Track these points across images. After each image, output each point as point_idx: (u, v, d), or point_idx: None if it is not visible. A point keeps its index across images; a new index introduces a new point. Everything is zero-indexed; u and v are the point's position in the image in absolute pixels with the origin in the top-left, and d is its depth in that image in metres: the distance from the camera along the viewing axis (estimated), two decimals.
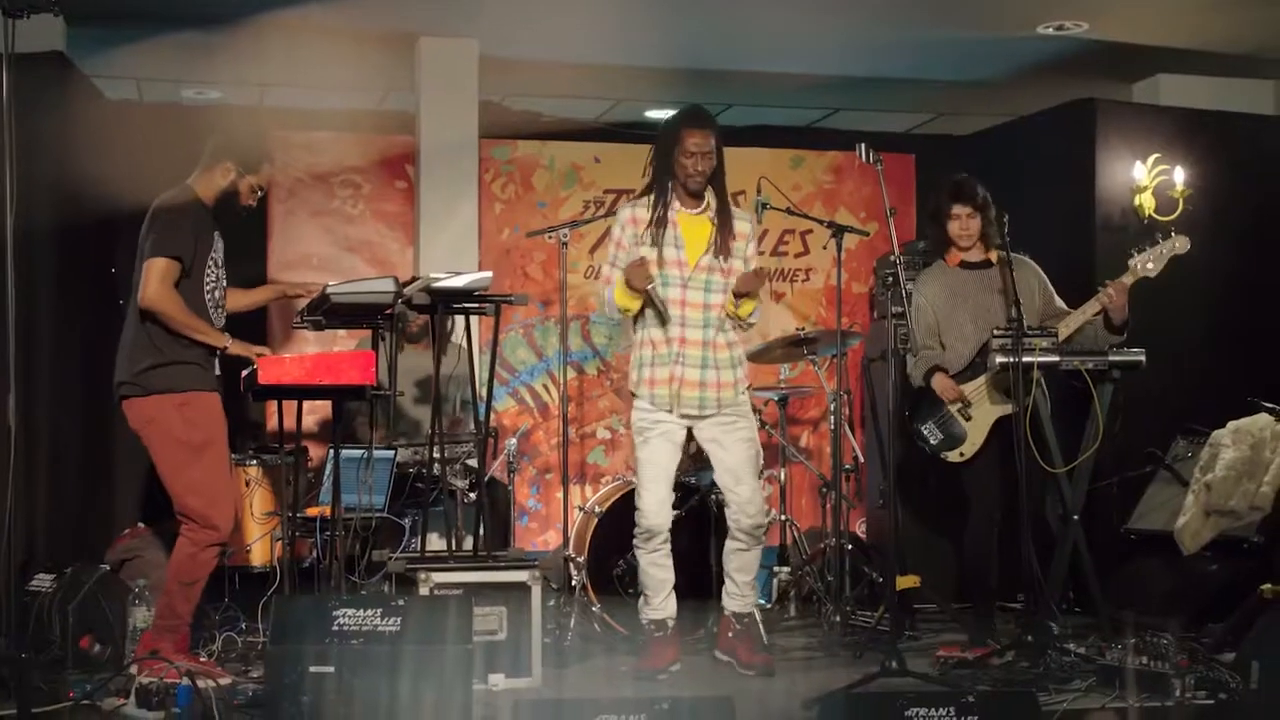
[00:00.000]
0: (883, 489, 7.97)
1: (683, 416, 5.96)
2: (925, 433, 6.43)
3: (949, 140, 10.08)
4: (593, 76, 8.85)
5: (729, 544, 6.07)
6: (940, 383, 6.34)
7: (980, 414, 6.26)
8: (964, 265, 6.42)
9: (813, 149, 9.68)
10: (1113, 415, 6.17)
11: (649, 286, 5.82)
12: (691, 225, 5.98)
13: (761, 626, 6.31)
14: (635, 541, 5.99)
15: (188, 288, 5.59)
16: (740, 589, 6.07)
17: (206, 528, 5.55)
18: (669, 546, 5.98)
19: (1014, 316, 5.97)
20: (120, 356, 5.67)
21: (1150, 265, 6.22)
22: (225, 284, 5.83)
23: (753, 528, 5.99)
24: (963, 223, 6.36)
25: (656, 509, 5.92)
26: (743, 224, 6.04)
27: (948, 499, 6.71)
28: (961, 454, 6.32)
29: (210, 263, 5.68)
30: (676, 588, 6.01)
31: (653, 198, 5.98)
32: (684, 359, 5.91)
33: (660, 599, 5.99)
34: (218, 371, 5.69)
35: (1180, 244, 6.23)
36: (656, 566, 5.97)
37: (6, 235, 4.57)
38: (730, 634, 6.08)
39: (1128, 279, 6.20)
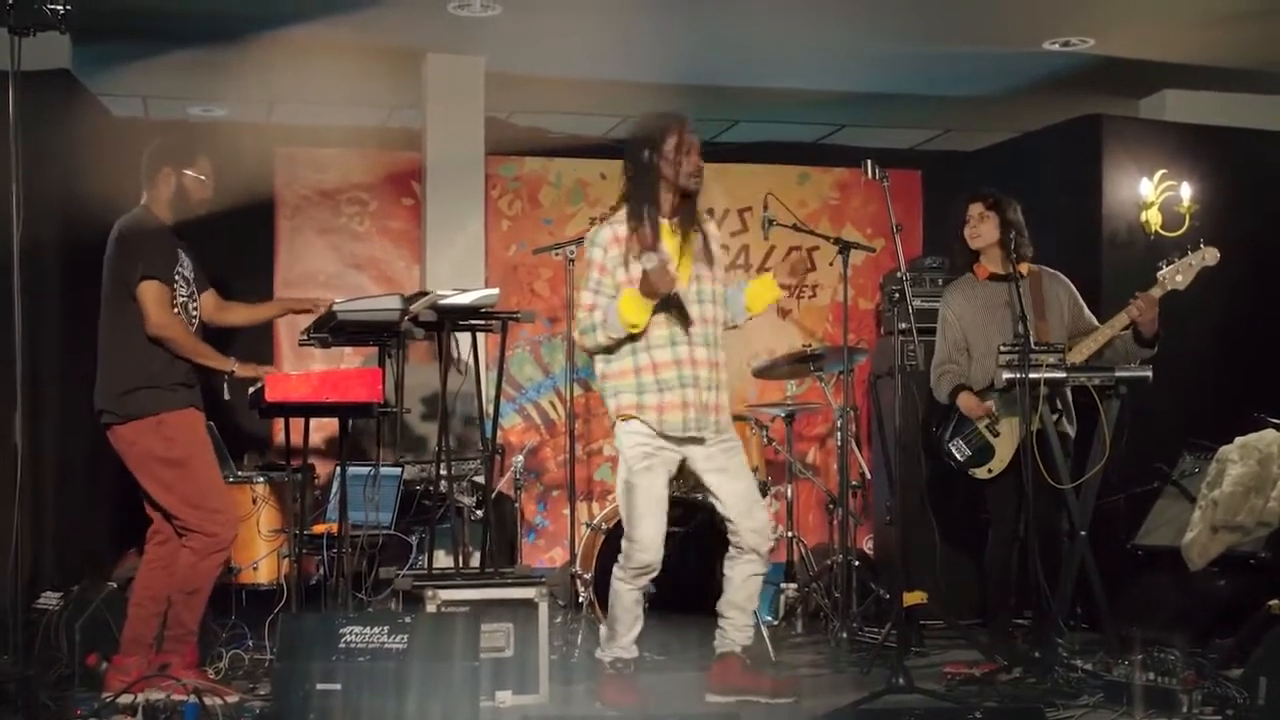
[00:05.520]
0: (890, 505, 7.96)
1: (690, 441, 5.52)
2: (953, 449, 6.37)
3: (955, 156, 10.08)
4: (599, 93, 8.86)
5: (751, 580, 5.68)
6: (966, 402, 6.30)
7: (1008, 429, 6.23)
8: (992, 278, 6.39)
9: (819, 165, 9.71)
10: (1117, 431, 6.14)
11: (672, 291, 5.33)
12: (669, 236, 5.56)
13: (769, 643, 6.28)
14: (624, 575, 5.54)
15: None
16: (749, 619, 5.77)
17: (205, 536, 5.57)
18: None
19: (1020, 331, 5.97)
20: (99, 380, 5.69)
21: (1179, 277, 6.13)
22: (198, 298, 5.82)
23: (768, 550, 5.66)
24: (973, 224, 6.33)
25: (658, 544, 5.49)
26: (708, 224, 5.74)
27: (963, 515, 6.66)
28: (990, 470, 6.30)
29: (179, 279, 5.69)
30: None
31: (644, 208, 5.55)
32: (697, 380, 5.46)
33: (632, 637, 5.61)
34: (191, 384, 5.69)
35: (1209, 255, 6.17)
36: (637, 604, 5.58)
37: (13, 252, 4.57)
38: (742, 669, 5.70)
39: (1156, 291, 6.10)
